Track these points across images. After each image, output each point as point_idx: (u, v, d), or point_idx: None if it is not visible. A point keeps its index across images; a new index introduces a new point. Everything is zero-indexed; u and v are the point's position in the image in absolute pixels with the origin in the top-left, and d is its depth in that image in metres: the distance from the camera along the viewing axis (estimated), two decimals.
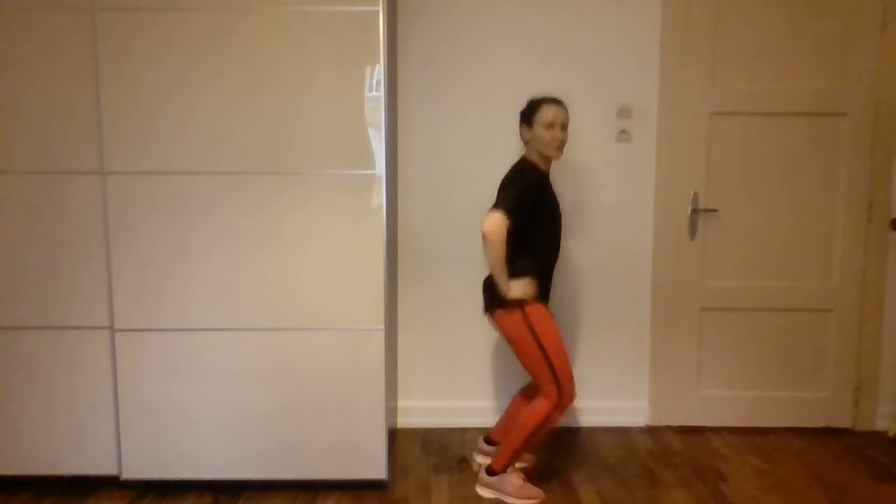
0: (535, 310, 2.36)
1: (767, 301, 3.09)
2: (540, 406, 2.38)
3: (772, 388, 3.14)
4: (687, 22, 2.97)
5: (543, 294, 2.43)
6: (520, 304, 2.34)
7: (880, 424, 3.13)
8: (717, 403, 3.15)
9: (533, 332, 2.35)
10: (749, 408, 3.14)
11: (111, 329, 2.45)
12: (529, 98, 2.45)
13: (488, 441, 2.73)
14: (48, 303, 2.44)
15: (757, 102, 3.00)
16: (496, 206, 2.30)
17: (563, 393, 2.36)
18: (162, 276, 2.42)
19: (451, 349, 3.15)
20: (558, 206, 2.46)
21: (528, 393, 2.63)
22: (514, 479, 2.44)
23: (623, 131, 3.05)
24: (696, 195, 3.05)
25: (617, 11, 2.99)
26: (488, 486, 2.49)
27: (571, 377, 2.38)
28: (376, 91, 2.36)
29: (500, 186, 2.43)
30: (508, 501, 2.43)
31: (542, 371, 2.36)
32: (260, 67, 2.35)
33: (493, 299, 2.40)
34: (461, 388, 3.17)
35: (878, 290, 3.07)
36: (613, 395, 3.18)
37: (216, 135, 2.38)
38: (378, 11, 2.32)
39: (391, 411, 2.80)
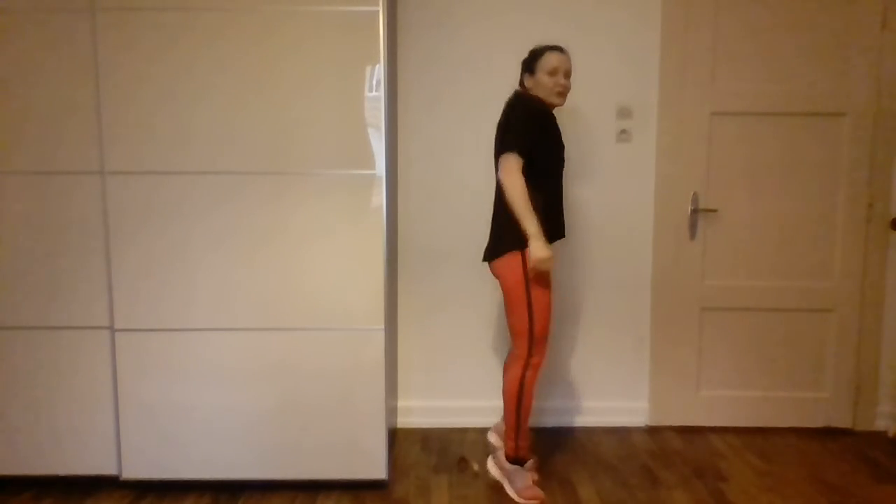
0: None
1: (767, 301, 3.09)
2: (514, 372, 2.41)
3: (772, 388, 3.14)
4: (687, 22, 2.97)
5: (558, 231, 2.42)
6: (523, 252, 2.31)
7: (880, 424, 3.13)
8: (717, 403, 3.15)
9: (526, 282, 2.33)
10: (749, 408, 3.14)
11: (111, 329, 2.45)
12: (531, 47, 2.45)
13: None
14: (48, 303, 2.44)
15: (757, 102, 3.00)
16: (505, 149, 2.28)
17: (533, 350, 2.37)
18: (162, 276, 2.42)
19: (451, 349, 3.15)
20: (562, 143, 2.43)
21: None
22: (524, 477, 2.46)
23: (623, 131, 3.05)
24: (696, 195, 3.05)
25: (617, 12, 2.99)
26: (501, 468, 2.52)
27: (546, 337, 2.39)
28: (376, 91, 2.36)
29: (499, 123, 2.39)
30: (509, 492, 2.46)
31: (521, 324, 2.36)
32: (260, 67, 2.36)
33: (503, 245, 2.37)
34: (461, 388, 3.17)
35: (878, 290, 3.07)
36: (613, 395, 3.18)
37: (216, 135, 2.38)
38: (378, 11, 2.32)
39: (391, 411, 2.80)
